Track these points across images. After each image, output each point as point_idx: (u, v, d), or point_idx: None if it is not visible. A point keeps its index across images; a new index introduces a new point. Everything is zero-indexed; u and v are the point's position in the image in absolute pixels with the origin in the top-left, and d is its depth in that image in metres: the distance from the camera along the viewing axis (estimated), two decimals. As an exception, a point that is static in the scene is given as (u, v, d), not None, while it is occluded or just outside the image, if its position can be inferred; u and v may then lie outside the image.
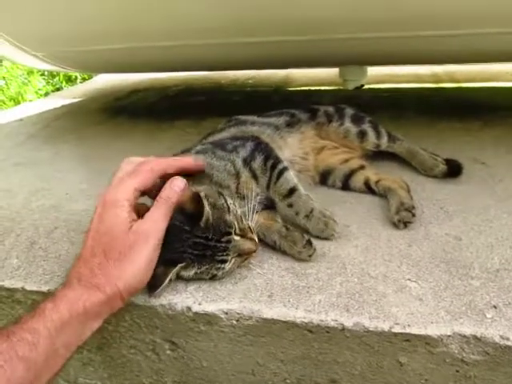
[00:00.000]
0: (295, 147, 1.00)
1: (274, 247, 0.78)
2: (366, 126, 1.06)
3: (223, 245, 0.68)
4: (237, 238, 0.70)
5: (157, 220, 0.66)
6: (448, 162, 1.01)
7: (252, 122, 1.03)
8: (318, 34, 1.16)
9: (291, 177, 0.84)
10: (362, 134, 1.06)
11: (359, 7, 0.98)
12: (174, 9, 1.05)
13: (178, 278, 0.71)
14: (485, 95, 1.70)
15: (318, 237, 0.79)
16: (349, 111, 1.10)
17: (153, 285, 0.67)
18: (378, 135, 1.06)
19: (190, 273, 0.70)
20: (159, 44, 1.33)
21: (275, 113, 1.10)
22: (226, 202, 0.72)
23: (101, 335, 0.75)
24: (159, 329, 0.71)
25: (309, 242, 0.75)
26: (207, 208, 0.67)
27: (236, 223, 0.70)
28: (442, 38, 1.12)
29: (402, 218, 0.83)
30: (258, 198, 0.82)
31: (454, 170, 1.00)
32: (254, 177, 0.84)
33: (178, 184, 0.70)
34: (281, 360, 0.69)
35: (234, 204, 0.74)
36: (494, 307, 0.63)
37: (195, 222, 0.67)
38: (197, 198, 0.67)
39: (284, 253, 0.77)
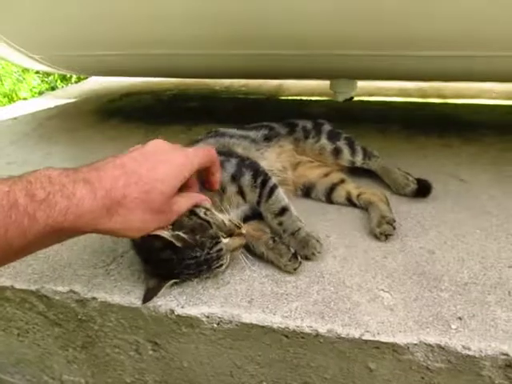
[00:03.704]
0: (273, 161, 1.02)
1: (261, 258, 0.80)
2: (342, 144, 1.08)
3: (215, 254, 0.71)
4: (226, 240, 0.72)
5: (182, 205, 0.68)
6: (419, 181, 1.03)
7: (231, 135, 1.04)
8: (311, 49, 1.20)
9: (282, 196, 0.86)
10: (337, 151, 1.08)
11: (351, 27, 1.02)
12: (167, 17, 1.08)
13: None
14: (468, 112, 1.76)
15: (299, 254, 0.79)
16: (326, 127, 1.12)
17: (145, 296, 0.71)
18: (353, 152, 1.08)
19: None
20: (153, 52, 1.36)
21: (255, 126, 1.12)
22: (200, 218, 0.71)
23: (86, 334, 0.78)
24: (143, 329, 0.74)
25: (294, 256, 0.77)
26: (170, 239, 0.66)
27: (219, 231, 0.72)
28: (428, 58, 1.17)
29: (384, 231, 0.86)
30: (242, 208, 0.85)
31: (423, 190, 1.02)
32: (241, 192, 0.86)
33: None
34: (258, 363, 0.72)
35: (211, 212, 0.74)
36: (460, 318, 0.67)
37: (176, 248, 0.67)
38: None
39: (272, 263, 0.79)
